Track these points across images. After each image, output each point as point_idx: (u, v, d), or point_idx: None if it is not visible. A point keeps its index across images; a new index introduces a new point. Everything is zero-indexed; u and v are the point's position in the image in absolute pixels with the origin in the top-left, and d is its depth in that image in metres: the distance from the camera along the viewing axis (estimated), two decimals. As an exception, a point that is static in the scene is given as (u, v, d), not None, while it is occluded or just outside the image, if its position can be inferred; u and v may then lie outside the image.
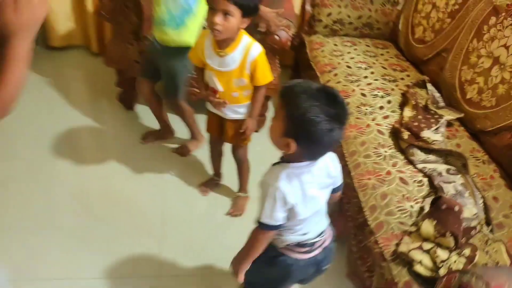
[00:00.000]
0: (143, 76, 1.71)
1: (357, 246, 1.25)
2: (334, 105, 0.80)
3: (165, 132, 1.91)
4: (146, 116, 2.01)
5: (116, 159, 1.79)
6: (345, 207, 1.35)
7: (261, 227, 0.91)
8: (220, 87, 1.31)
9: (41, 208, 1.54)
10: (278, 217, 0.89)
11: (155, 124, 1.94)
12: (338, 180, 0.98)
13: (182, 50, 1.48)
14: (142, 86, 1.72)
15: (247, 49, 1.24)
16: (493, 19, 1.56)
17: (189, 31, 1.49)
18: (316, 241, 0.99)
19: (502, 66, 1.46)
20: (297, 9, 2.19)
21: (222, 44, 1.23)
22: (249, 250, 0.96)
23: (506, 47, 1.46)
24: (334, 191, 0.99)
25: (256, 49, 1.25)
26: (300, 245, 0.98)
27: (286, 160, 0.90)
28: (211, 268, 1.42)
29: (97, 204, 1.60)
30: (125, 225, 1.52)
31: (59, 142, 1.86)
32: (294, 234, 0.96)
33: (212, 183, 1.72)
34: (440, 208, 1.04)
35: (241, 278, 1.00)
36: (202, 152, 1.83)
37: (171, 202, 1.64)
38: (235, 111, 1.38)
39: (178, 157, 1.85)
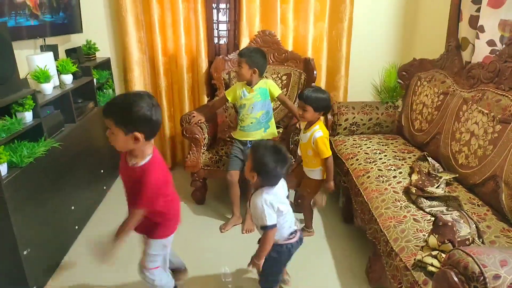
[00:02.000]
0: (232, 169, 2.41)
1: (387, 266, 1.65)
2: (279, 155, 1.54)
3: (235, 217, 2.53)
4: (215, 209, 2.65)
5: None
6: (373, 241, 1.79)
7: (268, 228, 1.54)
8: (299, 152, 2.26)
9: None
10: (273, 217, 1.54)
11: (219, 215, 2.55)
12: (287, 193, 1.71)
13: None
14: (232, 177, 2.40)
15: (312, 133, 2.13)
16: (464, 107, 2.16)
17: (271, 128, 2.46)
18: (296, 229, 1.68)
19: (477, 137, 2.00)
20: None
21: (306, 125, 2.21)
22: (265, 246, 1.59)
23: (477, 123, 2.03)
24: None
25: (317, 134, 2.11)
26: (291, 234, 1.66)
27: (258, 187, 1.58)
28: None
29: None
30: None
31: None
32: (285, 229, 1.64)
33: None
34: (438, 225, 1.49)
35: (260, 267, 1.63)
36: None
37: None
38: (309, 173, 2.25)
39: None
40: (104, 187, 2.90)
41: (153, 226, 1.59)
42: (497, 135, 1.86)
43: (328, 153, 2.13)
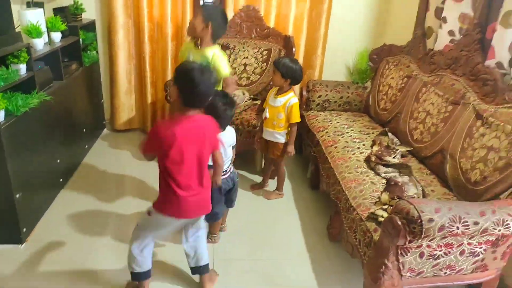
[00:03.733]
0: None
1: (346, 219, 1.91)
2: (227, 99, 1.81)
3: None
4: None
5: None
6: (336, 201, 2.05)
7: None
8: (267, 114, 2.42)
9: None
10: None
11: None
12: (234, 143, 1.98)
13: None
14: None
15: (289, 98, 2.34)
16: (424, 89, 2.43)
17: None
18: (227, 170, 1.97)
19: (431, 116, 2.28)
20: (297, 94, 3.12)
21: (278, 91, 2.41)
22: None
23: (432, 104, 2.30)
24: (233, 148, 2.00)
25: (293, 100, 2.34)
26: (224, 171, 1.92)
27: None
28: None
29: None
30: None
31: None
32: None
33: (259, 185, 2.74)
34: (390, 185, 1.76)
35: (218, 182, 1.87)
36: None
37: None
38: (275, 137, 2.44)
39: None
40: (86, 146, 3.01)
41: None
42: (448, 114, 2.14)
43: (298, 118, 2.40)
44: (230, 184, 2.03)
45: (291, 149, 2.46)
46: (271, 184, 2.76)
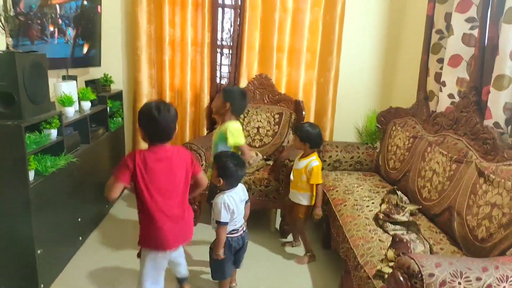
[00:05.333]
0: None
1: (355, 278, 1.91)
2: (238, 160, 1.98)
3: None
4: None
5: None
6: (345, 259, 2.06)
7: (220, 224, 1.90)
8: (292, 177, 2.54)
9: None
10: (226, 217, 1.91)
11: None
12: (246, 198, 2.05)
13: None
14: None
15: (310, 161, 2.48)
16: (429, 149, 2.51)
17: None
18: (239, 229, 2.02)
19: (437, 174, 2.33)
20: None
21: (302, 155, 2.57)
22: (219, 237, 1.93)
23: (438, 163, 2.36)
24: (246, 202, 2.06)
25: (314, 163, 2.46)
26: (233, 230, 1.98)
27: (221, 190, 1.96)
28: None
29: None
30: None
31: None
32: (230, 226, 1.96)
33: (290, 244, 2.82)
34: (395, 241, 1.78)
35: (221, 256, 1.95)
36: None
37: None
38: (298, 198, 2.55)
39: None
40: (107, 206, 3.15)
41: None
42: (452, 173, 2.19)
43: (320, 180, 2.50)
44: (240, 243, 2.06)
45: (318, 211, 2.52)
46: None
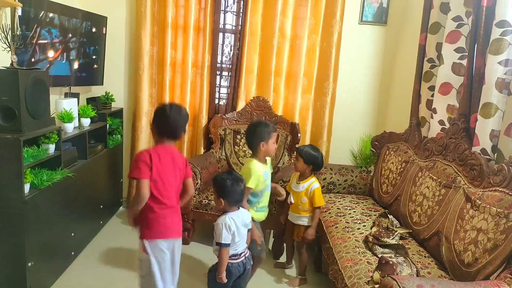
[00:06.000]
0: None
1: (340, 299, 1.91)
2: (232, 175, 1.96)
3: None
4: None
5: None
6: (334, 281, 2.06)
7: (221, 245, 1.87)
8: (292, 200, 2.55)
9: None
10: (228, 238, 1.87)
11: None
12: (249, 225, 2.01)
13: None
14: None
15: (310, 184, 2.52)
16: (420, 174, 2.54)
17: None
18: (241, 254, 1.97)
19: (427, 199, 2.36)
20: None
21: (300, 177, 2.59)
22: (221, 261, 1.89)
23: (428, 187, 2.39)
24: (248, 230, 2.03)
25: (315, 185, 2.51)
26: (234, 255, 1.94)
27: (223, 212, 1.94)
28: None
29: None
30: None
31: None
32: (231, 249, 1.92)
33: (282, 264, 2.83)
34: (381, 263, 1.79)
35: (224, 280, 1.90)
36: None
37: None
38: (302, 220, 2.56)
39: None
40: (101, 222, 3.17)
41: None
42: (441, 198, 2.22)
43: (323, 202, 2.55)
44: (241, 269, 1.98)
45: (311, 232, 2.53)
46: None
